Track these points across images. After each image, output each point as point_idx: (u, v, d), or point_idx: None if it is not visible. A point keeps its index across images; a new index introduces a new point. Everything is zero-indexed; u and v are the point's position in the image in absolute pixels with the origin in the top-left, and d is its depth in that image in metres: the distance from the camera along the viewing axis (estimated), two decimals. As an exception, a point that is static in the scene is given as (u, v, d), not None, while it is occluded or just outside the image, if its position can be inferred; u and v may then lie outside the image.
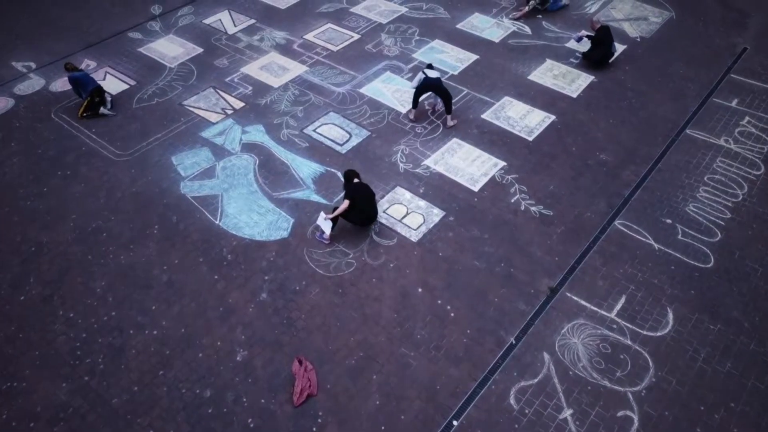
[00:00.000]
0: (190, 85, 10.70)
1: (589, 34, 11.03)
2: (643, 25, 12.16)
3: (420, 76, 9.40)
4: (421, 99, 9.73)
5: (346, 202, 7.65)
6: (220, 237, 8.08)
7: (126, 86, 10.71)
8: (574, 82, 10.69)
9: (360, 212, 7.81)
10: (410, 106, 9.88)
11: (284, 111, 10.08)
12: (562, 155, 9.32)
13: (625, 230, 8.18)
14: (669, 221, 8.29)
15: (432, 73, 9.37)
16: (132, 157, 9.31)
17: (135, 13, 12.70)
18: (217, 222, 8.27)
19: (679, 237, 8.08)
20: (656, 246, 7.96)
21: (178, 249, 7.93)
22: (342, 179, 8.17)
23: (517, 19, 12.28)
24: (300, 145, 9.44)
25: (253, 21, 12.37)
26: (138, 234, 8.14)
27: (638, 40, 11.78)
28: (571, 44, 11.59)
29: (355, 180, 7.93)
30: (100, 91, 9.92)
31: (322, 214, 7.87)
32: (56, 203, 8.62)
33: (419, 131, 9.70)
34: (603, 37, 10.81)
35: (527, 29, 12.05)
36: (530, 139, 9.58)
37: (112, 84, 10.73)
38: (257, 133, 9.64)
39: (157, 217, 8.36)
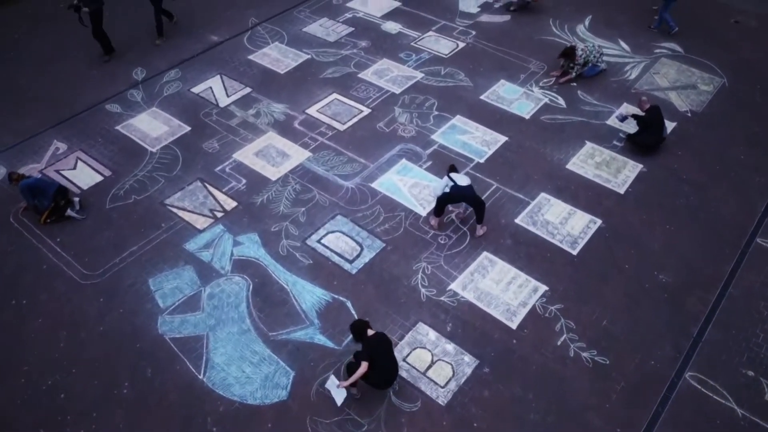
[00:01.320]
0: (174, 176, 9.21)
1: (636, 113, 9.53)
2: (692, 96, 10.66)
3: (445, 181, 7.90)
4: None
5: (364, 365, 6.14)
6: (203, 399, 6.59)
7: (100, 177, 9.22)
8: (620, 173, 9.19)
9: (381, 372, 6.30)
10: (431, 208, 8.42)
11: (283, 213, 8.59)
12: (613, 275, 7.82)
13: (699, 387, 6.69)
14: (751, 373, 6.80)
15: (462, 180, 7.86)
16: (101, 278, 7.81)
17: (115, 79, 11.19)
18: (200, 377, 6.77)
19: (767, 398, 6.59)
20: (739, 412, 6.47)
21: (152, 417, 6.44)
22: (352, 331, 6.57)
23: (554, 84, 10.78)
24: (302, 262, 7.95)
25: (248, 90, 10.87)
26: (104, 394, 6.64)
27: (689, 114, 10.28)
28: (612, 121, 10.10)
29: (369, 331, 6.42)
30: (63, 192, 8.44)
31: (333, 379, 6.38)
32: (7, 348, 7.12)
33: (443, 241, 8.21)
34: (653, 120, 9.31)
35: (561, 100, 10.55)
36: (574, 252, 8.09)
37: (84, 175, 9.25)
38: (251, 245, 8.15)
39: (128, 368, 6.87)
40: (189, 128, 10.07)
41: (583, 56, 10.65)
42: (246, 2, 13.30)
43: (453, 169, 8.16)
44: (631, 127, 9.65)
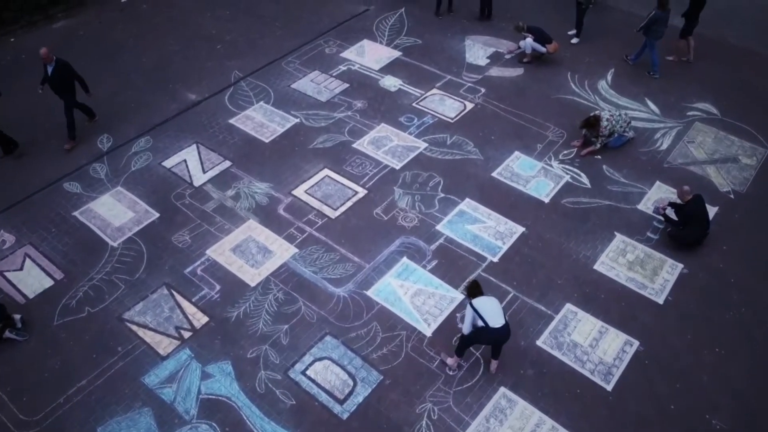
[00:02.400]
0: (136, 280, 7.88)
1: (676, 202, 8.24)
2: (733, 171, 9.34)
3: (472, 315, 6.27)
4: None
5: None
6: None
7: (50, 282, 7.89)
8: (658, 276, 7.88)
9: None
10: (438, 324, 7.13)
11: (263, 333, 7.26)
12: (657, 419, 6.50)
13: None
14: None
15: (495, 317, 6.21)
16: (41, 426, 6.48)
17: (77, 149, 9.85)
18: None
19: None
20: None
21: None
22: None
23: (576, 156, 9.48)
24: (283, 402, 6.62)
25: (227, 164, 9.54)
26: None
27: (731, 196, 8.97)
28: (644, 205, 8.80)
29: None
30: (0, 311, 7.13)
31: None
32: None
33: (452, 372, 6.88)
34: (696, 213, 8.01)
35: (584, 178, 9.23)
36: (609, 387, 6.76)
37: (31, 278, 7.92)
38: (223, 379, 6.83)
39: None
40: (157, 215, 8.74)
41: (609, 127, 9.33)
42: (229, 52, 11.98)
43: (476, 289, 6.42)
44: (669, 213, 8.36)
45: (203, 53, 11.93)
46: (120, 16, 12.94)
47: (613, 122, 9.36)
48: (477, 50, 11.90)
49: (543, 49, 11.23)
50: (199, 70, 11.50)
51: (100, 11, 13.11)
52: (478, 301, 6.31)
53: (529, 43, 11.20)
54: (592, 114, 9.43)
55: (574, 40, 12.02)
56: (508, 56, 11.69)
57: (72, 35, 12.35)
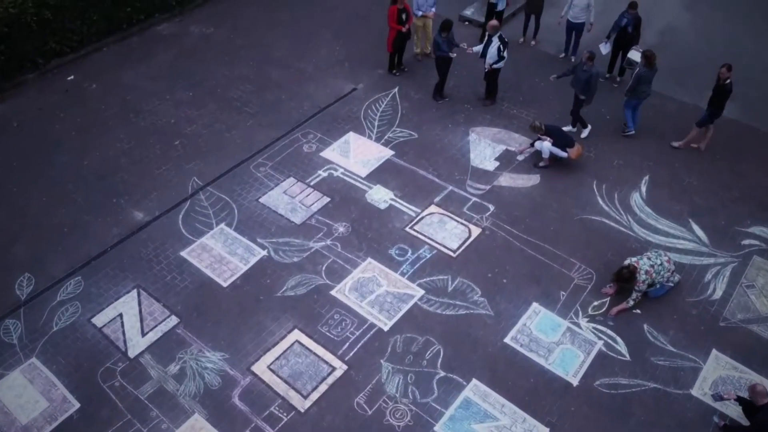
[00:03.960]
0: None
1: (741, 397, 6.35)
2: (808, 333, 7.45)
3: None
4: None
5: None
6: None
7: None
8: None
9: None
10: None
11: None
12: None
13: None
14: None
15: None
16: None
17: (-10, 296, 7.98)
18: None
19: None
20: None
21: None
22: None
23: (608, 312, 7.60)
24: None
25: (173, 321, 7.63)
26: None
27: (809, 373, 7.08)
28: (699, 388, 6.91)
29: None
30: None
31: None
32: None
33: None
34: (774, 422, 6.13)
35: (621, 344, 7.33)
36: None
37: None
38: None
39: None
40: (77, 405, 6.82)
41: (648, 281, 7.43)
42: (189, 150, 10.02)
43: None
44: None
45: (157, 152, 9.98)
46: (63, 100, 10.97)
47: (654, 274, 7.45)
48: (483, 148, 9.98)
49: (563, 155, 9.32)
50: (151, 177, 9.55)
51: (41, 92, 11.17)
52: None
53: (546, 147, 9.29)
54: (625, 265, 7.45)
55: (584, 134, 10.09)
56: (520, 157, 9.77)
57: (4, 127, 10.41)
